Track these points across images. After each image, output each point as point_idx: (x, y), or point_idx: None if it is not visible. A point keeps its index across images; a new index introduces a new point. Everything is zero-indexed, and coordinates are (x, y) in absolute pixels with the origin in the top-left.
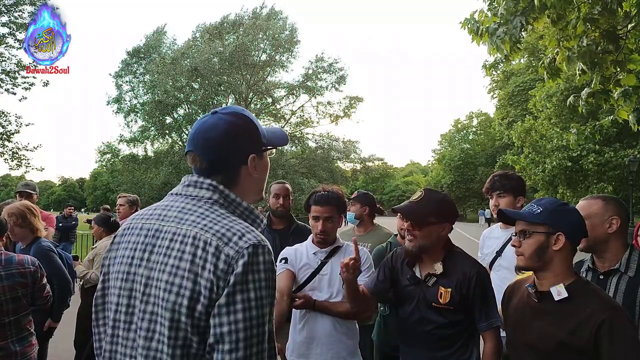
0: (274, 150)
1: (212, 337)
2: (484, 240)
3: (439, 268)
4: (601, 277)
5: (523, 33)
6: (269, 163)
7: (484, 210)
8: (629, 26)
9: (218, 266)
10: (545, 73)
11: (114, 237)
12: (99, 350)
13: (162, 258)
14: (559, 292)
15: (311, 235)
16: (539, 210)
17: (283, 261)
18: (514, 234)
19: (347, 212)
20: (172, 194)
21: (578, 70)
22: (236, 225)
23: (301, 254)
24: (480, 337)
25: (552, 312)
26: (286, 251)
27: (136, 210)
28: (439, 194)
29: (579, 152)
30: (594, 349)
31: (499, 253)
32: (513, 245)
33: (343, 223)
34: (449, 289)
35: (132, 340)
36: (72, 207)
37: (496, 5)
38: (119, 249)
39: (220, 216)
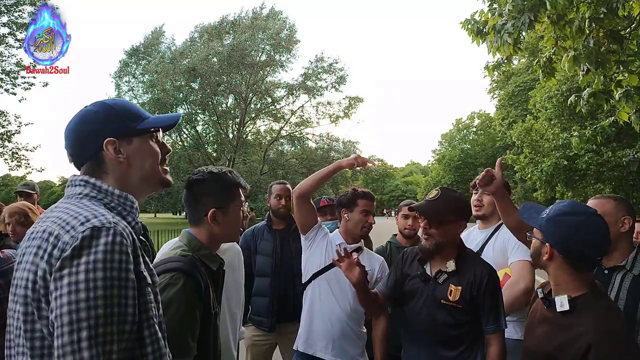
0: (159, 133)
1: (50, 328)
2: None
3: (451, 266)
4: (606, 271)
5: (524, 33)
6: (153, 148)
7: None
8: (632, 26)
9: (52, 254)
10: (540, 72)
11: None
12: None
13: (24, 258)
14: (561, 303)
15: (337, 229)
16: (544, 214)
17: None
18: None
19: None
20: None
21: (582, 70)
22: (86, 212)
23: (333, 243)
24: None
25: (552, 321)
26: (335, 235)
27: None
28: (455, 193)
29: (575, 152)
30: None
31: (478, 253)
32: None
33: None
34: (459, 287)
35: (11, 341)
36: None
37: (497, 7)
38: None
39: (80, 207)
